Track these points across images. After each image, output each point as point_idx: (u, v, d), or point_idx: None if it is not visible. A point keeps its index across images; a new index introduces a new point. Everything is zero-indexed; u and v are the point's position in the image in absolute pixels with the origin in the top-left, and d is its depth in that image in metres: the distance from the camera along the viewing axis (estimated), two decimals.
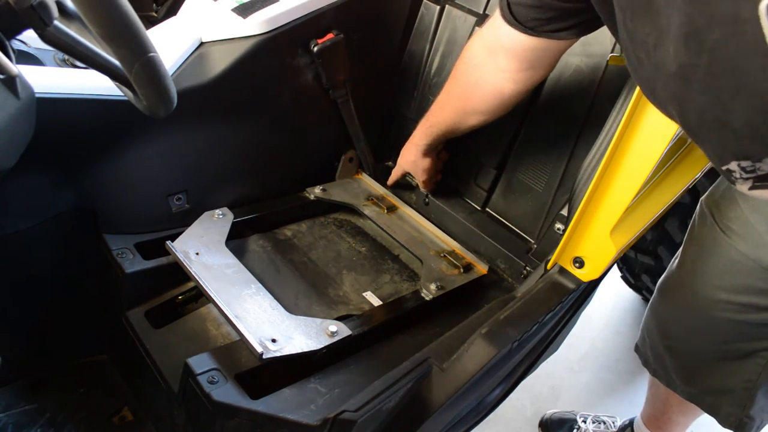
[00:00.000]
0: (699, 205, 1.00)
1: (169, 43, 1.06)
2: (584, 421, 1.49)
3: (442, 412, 0.88)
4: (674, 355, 1.08)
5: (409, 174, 1.32)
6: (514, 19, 0.88)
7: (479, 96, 1.03)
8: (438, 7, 1.31)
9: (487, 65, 0.99)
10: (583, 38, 0.90)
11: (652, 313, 1.11)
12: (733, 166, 0.63)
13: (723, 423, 1.07)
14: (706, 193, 0.99)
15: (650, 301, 1.12)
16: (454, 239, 1.27)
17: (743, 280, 0.91)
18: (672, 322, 1.06)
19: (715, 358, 1.02)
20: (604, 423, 1.49)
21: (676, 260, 1.04)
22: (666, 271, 1.08)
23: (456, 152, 1.32)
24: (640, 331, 1.16)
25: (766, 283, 0.90)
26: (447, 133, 1.16)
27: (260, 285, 1.00)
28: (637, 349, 1.19)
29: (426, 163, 1.25)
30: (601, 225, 0.91)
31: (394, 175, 1.35)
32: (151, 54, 0.64)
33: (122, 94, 0.77)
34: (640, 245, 1.65)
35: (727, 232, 0.92)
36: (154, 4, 2.04)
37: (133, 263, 1.02)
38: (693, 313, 1.00)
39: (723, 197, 0.94)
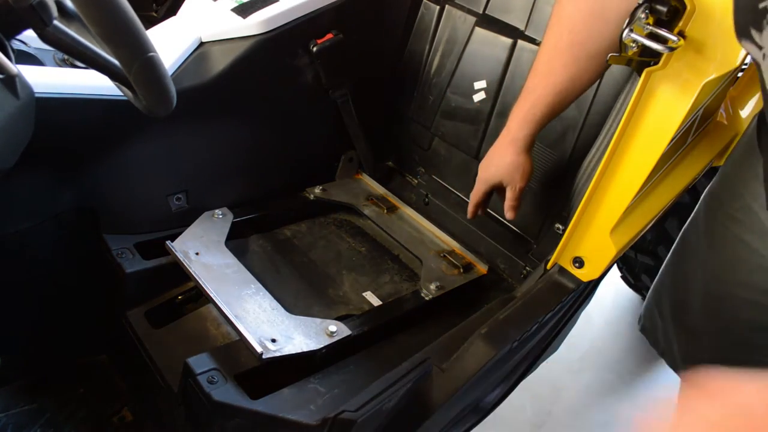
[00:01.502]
0: (701, 200, 0.98)
1: (169, 43, 1.06)
2: None
3: (442, 412, 0.88)
4: (681, 332, 0.99)
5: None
6: None
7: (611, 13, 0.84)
8: (438, 7, 1.30)
9: None
10: None
11: (669, 277, 1.01)
12: None
13: None
14: (707, 188, 0.97)
15: (666, 263, 1.02)
16: (454, 239, 1.27)
17: (753, 276, 0.88)
18: (687, 294, 0.96)
19: (721, 352, 1.00)
20: None
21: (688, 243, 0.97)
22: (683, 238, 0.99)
23: (455, 152, 1.32)
24: (644, 309, 1.07)
25: None
26: (553, 111, 0.95)
27: (260, 285, 1.00)
28: (644, 329, 1.09)
29: (528, 163, 1.00)
30: (601, 225, 0.91)
31: (477, 195, 1.07)
32: (151, 54, 0.64)
33: (122, 94, 0.77)
34: (640, 245, 1.64)
35: (732, 222, 0.90)
36: (154, 4, 2.04)
37: (133, 263, 1.02)
38: (708, 299, 0.94)
39: (725, 188, 0.92)
